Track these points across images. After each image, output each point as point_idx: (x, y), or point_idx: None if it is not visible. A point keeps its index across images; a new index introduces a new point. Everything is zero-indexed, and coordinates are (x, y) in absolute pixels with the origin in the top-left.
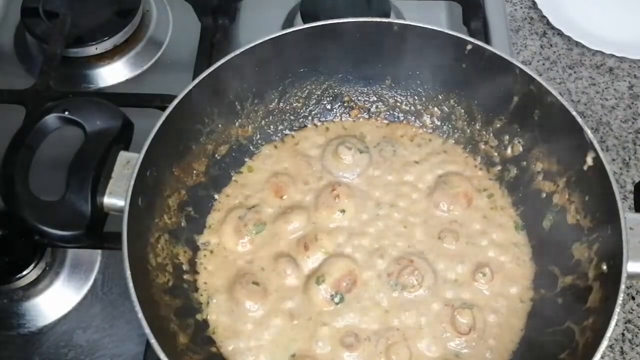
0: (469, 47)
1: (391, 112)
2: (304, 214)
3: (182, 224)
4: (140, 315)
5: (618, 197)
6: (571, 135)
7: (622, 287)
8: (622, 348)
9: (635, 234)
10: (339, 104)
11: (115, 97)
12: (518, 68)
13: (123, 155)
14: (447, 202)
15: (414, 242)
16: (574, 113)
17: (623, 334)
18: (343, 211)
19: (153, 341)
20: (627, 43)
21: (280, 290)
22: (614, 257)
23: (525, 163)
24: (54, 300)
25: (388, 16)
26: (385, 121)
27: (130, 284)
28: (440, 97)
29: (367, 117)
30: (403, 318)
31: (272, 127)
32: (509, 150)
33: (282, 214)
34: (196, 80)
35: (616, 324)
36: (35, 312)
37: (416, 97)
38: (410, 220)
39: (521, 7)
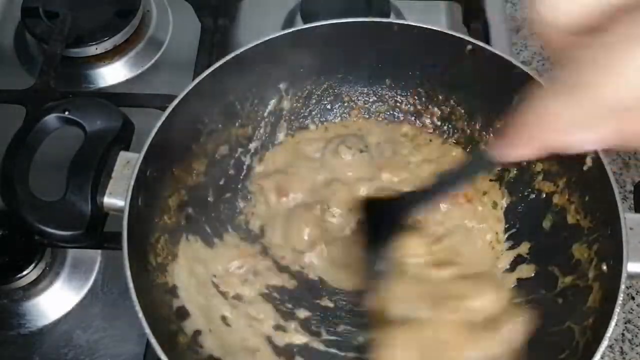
0: (469, 47)
1: (391, 112)
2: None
3: (182, 224)
4: (141, 315)
5: (618, 197)
6: None
7: (622, 287)
8: (622, 348)
9: (635, 234)
10: (339, 104)
11: (116, 97)
12: (518, 68)
13: (123, 156)
14: (447, 201)
15: None
16: None
17: (623, 334)
18: None
19: (153, 341)
20: None
21: None
22: (614, 257)
23: (525, 163)
24: (54, 300)
25: (388, 16)
26: (385, 121)
27: (130, 284)
28: (440, 97)
29: (367, 117)
30: None
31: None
32: None
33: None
34: (196, 81)
35: (616, 324)
36: (35, 312)
37: (416, 97)
38: None
39: (521, 7)
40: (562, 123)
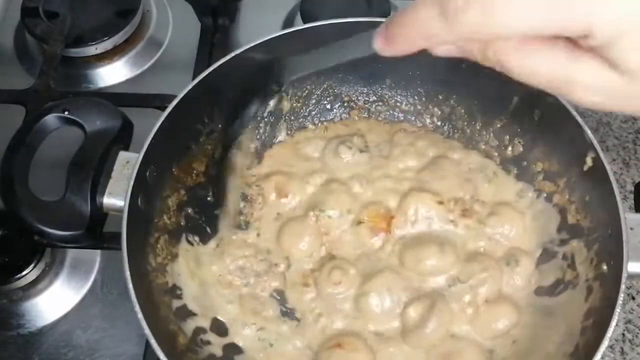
0: None
1: (391, 112)
2: None
3: (182, 224)
4: (140, 315)
5: (618, 197)
6: (571, 135)
7: (622, 287)
8: (622, 348)
9: (636, 234)
10: (339, 104)
11: (115, 97)
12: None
13: (123, 155)
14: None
15: None
16: (574, 113)
17: (623, 334)
18: None
19: (153, 341)
20: None
21: None
22: (614, 257)
23: (525, 163)
24: (54, 301)
25: (388, 16)
26: (385, 121)
27: (130, 284)
28: (441, 97)
29: (367, 117)
30: None
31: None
32: (509, 151)
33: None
34: (196, 80)
35: (616, 324)
36: (34, 312)
37: (416, 97)
38: None
39: None
40: (434, 37)
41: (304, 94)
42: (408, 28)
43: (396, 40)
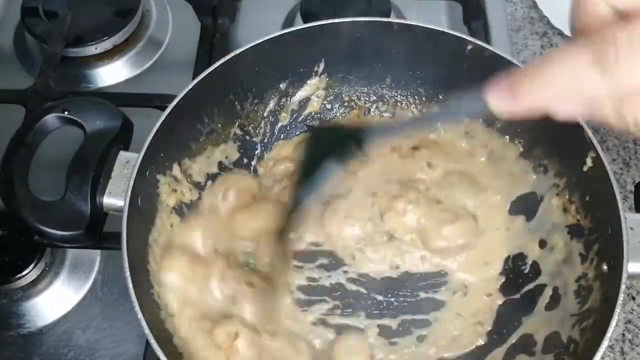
0: (470, 47)
1: (391, 111)
2: None
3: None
4: (140, 315)
5: (618, 197)
6: (572, 135)
7: (622, 287)
8: (622, 348)
9: (636, 234)
10: (339, 103)
11: (115, 97)
12: (518, 68)
13: (123, 155)
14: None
15: None
16: None
17: (623, 335)
18: None
19: (153, 342)
20: None
21: None
22: (614, 258)
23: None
24: (54, 301)
25: (388, 16)
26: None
27: (130, 284)
28: (441, 97)
29: (367, 116)
30: None
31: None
32: None
33: None
34: (196, 80)
35: (616, 325)
36: (34, 312)
37: (416, 97)
38: None
39: (522, 7)
40: (583, 88)
41: (304, 94)
42: (549, 78)
43: (525, 92)
